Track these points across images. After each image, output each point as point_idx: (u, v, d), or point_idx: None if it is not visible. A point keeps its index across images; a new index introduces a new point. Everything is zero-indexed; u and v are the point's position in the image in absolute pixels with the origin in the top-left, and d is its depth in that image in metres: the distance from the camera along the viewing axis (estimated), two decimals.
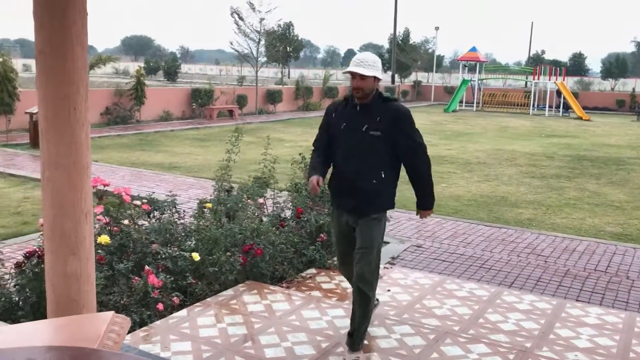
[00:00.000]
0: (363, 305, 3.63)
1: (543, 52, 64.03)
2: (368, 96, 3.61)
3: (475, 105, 32.37)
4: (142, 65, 32.31)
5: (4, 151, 13.00)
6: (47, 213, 2.89)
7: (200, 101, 21.76)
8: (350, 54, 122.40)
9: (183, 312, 4.11)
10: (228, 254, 4.73)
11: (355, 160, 3.63)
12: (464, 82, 32.74)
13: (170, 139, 15.99)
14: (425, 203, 3.87)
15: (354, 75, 3.58)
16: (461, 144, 16.55)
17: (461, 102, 32.29)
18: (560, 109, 29.83)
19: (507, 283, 5.49)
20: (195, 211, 5.94)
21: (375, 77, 3.58)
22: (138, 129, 17.82)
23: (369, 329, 3.88)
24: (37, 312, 3.99)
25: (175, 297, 4.18)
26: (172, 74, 40.85)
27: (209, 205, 5.78)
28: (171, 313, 4.12)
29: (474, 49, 33.67)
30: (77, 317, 2.65)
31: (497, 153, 14.91)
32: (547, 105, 29.80)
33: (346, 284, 5.05)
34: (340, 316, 4.19)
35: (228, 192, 6.25)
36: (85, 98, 2.85)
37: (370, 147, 3.59)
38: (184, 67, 55.72)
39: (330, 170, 3.93)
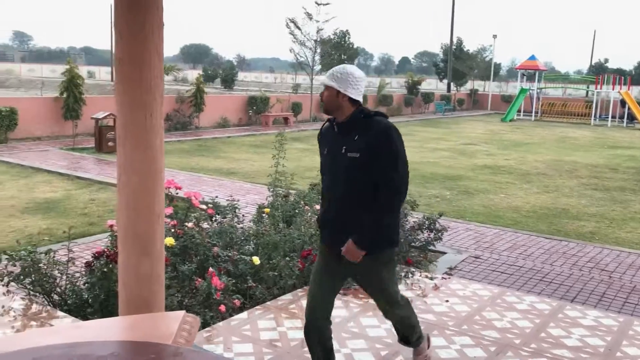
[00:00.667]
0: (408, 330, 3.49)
1: (606, 60, 61.89)
2: (337, 112, 3.13)
3: (533, 114, 31.61)
4: (201, 73, 33.09)
5: (71, 154, 13.59)
6: (121, 215, 3.03)
7: (256, 108, 22.13)
8: (404, 61, 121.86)
9: (244, 315, 4.20)
10: (287, 258, 4.80)
11: (339, 188, 3.12)
12: (522, 91, 32.03)
13: (227, 145, 16.33)
14: (363, 240, 3.01)
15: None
16: (519, 154, 16.20)
17: (519, 111, 31.60)
18: (625, 120, 28.75)
19: (569, 297, 5.35)
20: (255, 216, 6.07)
21: (339, 92, 3.08)
22: (197, 135, 18.27)
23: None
24: (105, 309, 4.16)
25: (236, 300, 4.27)
26: (229, 82, 41.67)
27: (268, 210, 5.89)
28: (232, 315, 4.22)
29: (533, 57, 32.91)
30: (150, 315, 2.76)
31: (557, 164, 14.51)
32: (610, 116, 28.79)
33: (403, 293, 5.03)
34: None
35: (285, 198, 6.35)
36: (161, 105, 2.97)
37: (352, 172, 3.06)
38: (240, 75, 56.75)
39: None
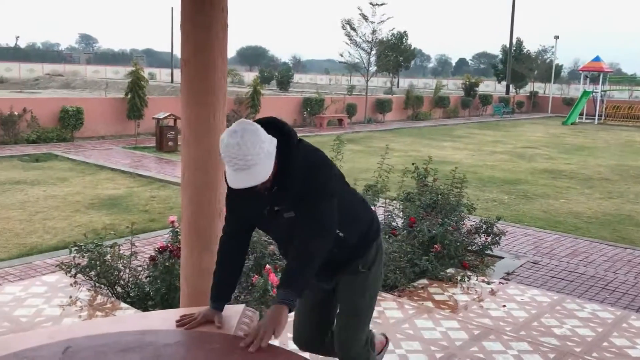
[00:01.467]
0: None
1: None
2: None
3: (597, 118, 30.52)
4: (257, 75, 33.62)
5: (133, 153, 14.05)
6: (185, 211, 3.14)
7: (310, 110, 22.29)
8: (462, 63, 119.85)
9: None
10: None
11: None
12: (585, 93, 30.97)
13: None
14: (280, 293, 2.30)
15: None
16: (581, 159, 15.69)
17: (581, 114, 30.57)
18: None
19: (634, 307, 5.15)
20: None
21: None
22: None
23: (485, 343, 3.81)
24: (166, 302, 4.29)
25: None
26: (284, 84, 42.13)
27: None
28: None
29: (597, 59, 31.77)
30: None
31: (621, 169, 13.97)
32: None
33: (459, 297, 4.99)
34: (454, 328, 4.15)
35: None
36: (223, 106, 3.06)
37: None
38: (296, 77, 57.28)
39: None
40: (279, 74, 44.36)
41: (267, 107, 20.63)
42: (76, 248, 4.48)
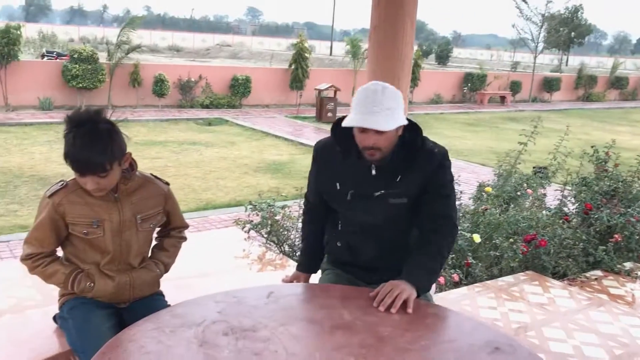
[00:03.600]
0: None
1: None
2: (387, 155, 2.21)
3: None
4: (416, 48, 33.12)
5: (294, 122, 14.62)
6: None
7: (471, 85, 21.53)
8: None
9: (463, 290, 4.18)
10: (510, 240, 4.64)
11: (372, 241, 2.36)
12: None
13: (439, 121, 16.18)
14: (416, 274, 2.14)
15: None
16: None
17: None
18: None
19: None
20: (474, 194, 5.95)
21: (397, 128, 2.15)
22: (409, 110, 18.39)
23: None
24: (326, 264, 4.44)
25: (455, 274, 4.26)
26: (443, 58, 41.09)
27: (489, 189, 5.74)
28: (450, 289, 4.21)
29: None
30: None
31: None
32: None
33: (638, 293, 4.56)
34: (636, 326, 3.81)
35: (507, 179, 6.14)
36: (408, 73, 3.03)
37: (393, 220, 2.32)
38: (455, 51, 55.53)
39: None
40: (438, 48, 43.30)
41: (426, 81, 20.27)
42: (251, 206, 4.77)
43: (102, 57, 14.83)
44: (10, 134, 10.66)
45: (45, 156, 8.98)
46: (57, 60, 16.07)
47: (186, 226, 2.46)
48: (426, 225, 2.26)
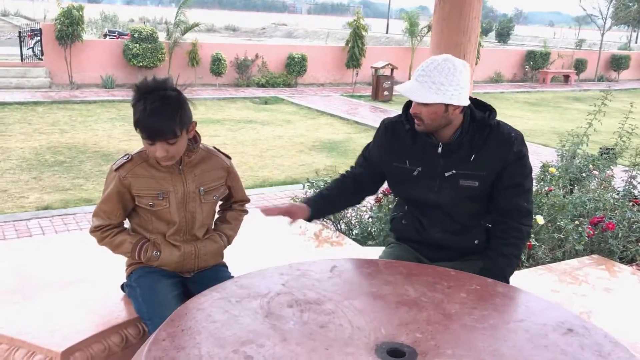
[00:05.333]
0: None
1: None
2: (443, 130, 2.17)
3: None
4: None
5: (350, 101, 14.52)
6: None
7: (533, 64, 20.81)
8: None
9: (525, 272, 4.07)
10: (575, 222, 4.48)
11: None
12: None
13: (500, 101, 15.74)
14: (498, 265, 2.21)
15: None
16: None
17: None
18: None
19: None
20: (537, 175, 5.77)
21: (447, 106, 2.09)
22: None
23: None
24: (382, 243, 4.40)
25: None
26: (504, 35, 39.88)
27: (553, 170, 5.55)
28: None
29: None
30: None
31: None
32: None
33: None
34: None
35: (572, 160, 5.92)
36: (475, 47, 2.93)
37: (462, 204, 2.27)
38: (516, 29, 53.77)
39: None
40: (499, 25, 42.04)
41: (486, 59, 19.73)
42: (309, 184, 4.78)
43: (162, 37, 15.10)
44: (75, 111, 11.04)
45: (108, 133, 9.26)
46: (119, 39, 16.47)
47: (247, 200, 2.48)
48: (507, 222, 2.21)
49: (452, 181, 2.19)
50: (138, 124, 1.99)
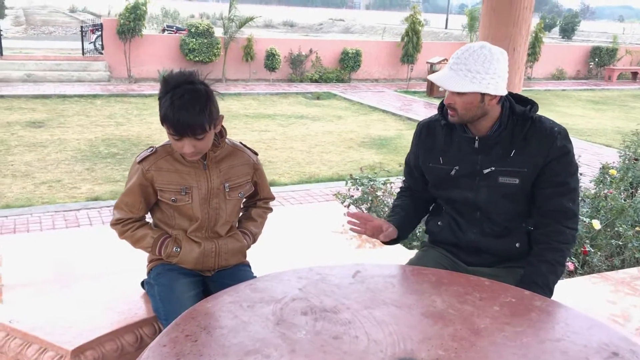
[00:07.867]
0: None
1: None
2: (479, 122, 2.04)
3: None
4: (539, 21, 31.09)
5: (403, 97, 14.27)
6: None
7: (598, 60, 19.89)
8: None
9: (578, 280, 3.82)
10: (637, 229, 4.18)
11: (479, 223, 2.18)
12: None
13: (561, 98, 15.11)
14: (540, 272, 2.03)
15: None
16: None
17: None
18: None
19: None
20: (596, 177, 5.45)
21: (484, 95, 1.97)
22: (528, 86, 17.33)
23: None
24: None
25: (570, 262, 3.90)
26: (568, 31, 38.40)
27: (613, 172, 5.22)
28: (562, 278, 3.87)
29: None
30: None
31: None
32: None
33: None
34: None
35: (636, 161, 5.56)
36: (526, 40, 2.73)
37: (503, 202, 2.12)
38: (582, 25, 51.70)
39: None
40: (564, 21, 40.52)
41: (547, 56, 19.01)
42: (352, 181, 4.65)
43: (219, 32, 15.26)
44: (132, 105, 11.28)
45: (161, 127, 9.40)
46: (176, 34, 16.76)
47: (272, 198, 2.38)
48: (550, 224, 2.05)
49: (490, 179, 2.07)
50: (166, 119, 1.93)
